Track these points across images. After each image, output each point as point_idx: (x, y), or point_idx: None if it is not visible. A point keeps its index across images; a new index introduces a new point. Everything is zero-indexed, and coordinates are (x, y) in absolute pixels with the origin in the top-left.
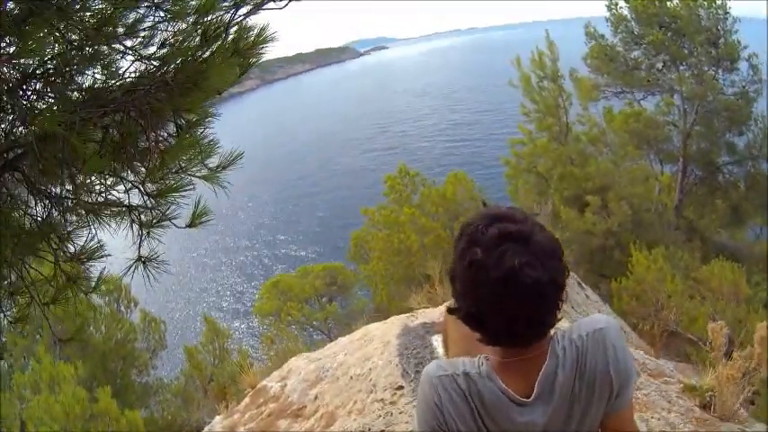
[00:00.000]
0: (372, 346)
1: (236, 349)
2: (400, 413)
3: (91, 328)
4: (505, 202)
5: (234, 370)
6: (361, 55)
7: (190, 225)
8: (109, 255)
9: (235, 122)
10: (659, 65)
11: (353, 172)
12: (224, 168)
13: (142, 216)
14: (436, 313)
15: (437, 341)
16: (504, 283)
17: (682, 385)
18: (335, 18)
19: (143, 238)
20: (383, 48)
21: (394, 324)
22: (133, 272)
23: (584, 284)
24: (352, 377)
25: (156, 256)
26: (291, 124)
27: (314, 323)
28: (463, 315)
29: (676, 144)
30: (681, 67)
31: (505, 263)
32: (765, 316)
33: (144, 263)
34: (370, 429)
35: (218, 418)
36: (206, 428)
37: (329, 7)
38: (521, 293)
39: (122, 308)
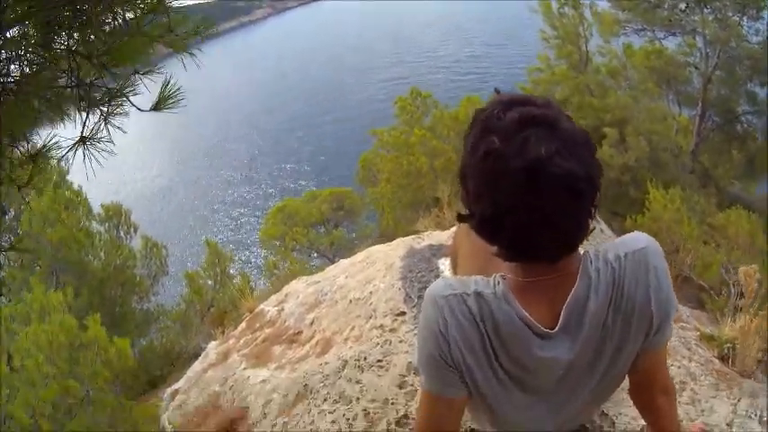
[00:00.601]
0: (375, 268)
1: (238, 273)
2: (400, 342)
3: (89, 256)
4: None
5: (234, 295)
6: None
7: (155, 107)
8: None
9: (245, 53)
10: (682, 5)
11: (363, 102)
12: (196, 35)
13: (92, 93)
14: (444, 236)
15: (444, 264)
16: (528, 174)
17: (698, 333)
18: None
19: (100, 123)
20: None
21: (399, 246)
22: (74, 154)
23: (597, 217)
24: (351, 301)
25: (100, 135)
26: (303, 53)
27: (319, 248)
28: (477, 221)
29: (696, 87)
30: (705, 10)
31: (530, 151)
32: None
33: (85, 143)
34: (366, 358)
35: (213, 343)
36: (201, 355)
37: None
38: (550, 188)
39: (122, 234)
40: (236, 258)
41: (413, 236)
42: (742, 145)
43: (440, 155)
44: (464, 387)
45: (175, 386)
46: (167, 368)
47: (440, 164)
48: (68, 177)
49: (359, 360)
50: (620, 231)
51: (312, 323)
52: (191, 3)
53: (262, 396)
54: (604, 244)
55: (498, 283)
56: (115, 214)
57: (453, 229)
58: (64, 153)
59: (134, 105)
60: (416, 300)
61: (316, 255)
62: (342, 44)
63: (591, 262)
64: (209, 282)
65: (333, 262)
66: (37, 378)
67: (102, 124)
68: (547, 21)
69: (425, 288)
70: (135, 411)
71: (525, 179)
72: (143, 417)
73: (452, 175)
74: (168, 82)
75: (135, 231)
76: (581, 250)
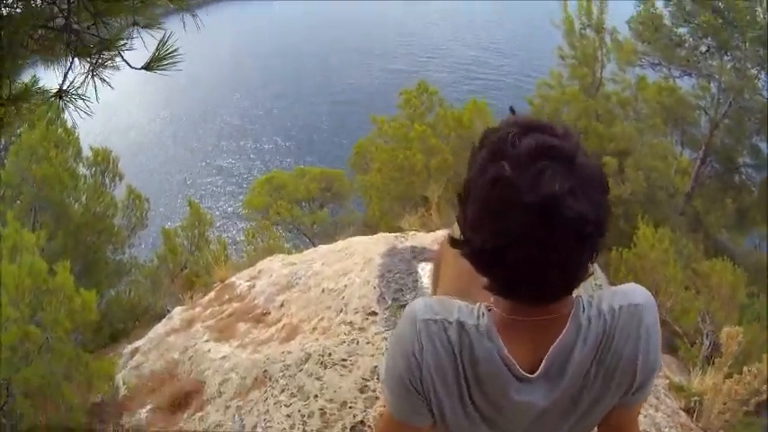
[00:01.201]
0: (353, 260)
1: (216, 239)
2: (367, 343)
3: (70, 198)
4: None
5: (208, 260)
6: None
7: (147, 66)
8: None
9: (250, 22)
10: (703, 48)
11: (363, 87)
12: None
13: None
14: (428, 239)
15: (423, 269)
16: (539, 212)
17: (668, 381)
18: None
19: (88, 76)
20: None
21: (380, 241)
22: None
23: None
24: (324, 290)
25: (84, 87)
26: (309, 31)
27: (300, 226)
28: (473, 250)
29: (702, 131)
30: (725, 57)
31: (543, 186)
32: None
33: (62, 97)
34: (330, 354)
35: (179, 308)
36: (162, 321)
37: None
38: (559, 229)
39: (107, 180)
40: (217, 227)
41: (396, 233)
42: (737, 195)
43: (436, 154)
44: (430, 416)
45: (136, 344)
46: (131, 323)
47: (435, 163)
48: (64, 116)
49: (323, 356)
50: (604, 264)
51: (281, 306)
52: None
53: (219, 373)
54: (600, 291)
55: (483, 315)
56: (103, 159)
57: (439, 233)
58: (41, 103)
59: (125, 61)
60: (390, 302)
61: (296, 232)
62: (348, 28)
63: (584, 309)
64: (186, 242)
65: (312, 243)
66: None
67: (90, 76)
68: (567, 39)
69: (401, 290)
70: (92, 366)
71: (536, 215)
72: (99, 372)
73: (445, 177)
74: (165, 41)
75: (120, 180)
76: (574, 294)
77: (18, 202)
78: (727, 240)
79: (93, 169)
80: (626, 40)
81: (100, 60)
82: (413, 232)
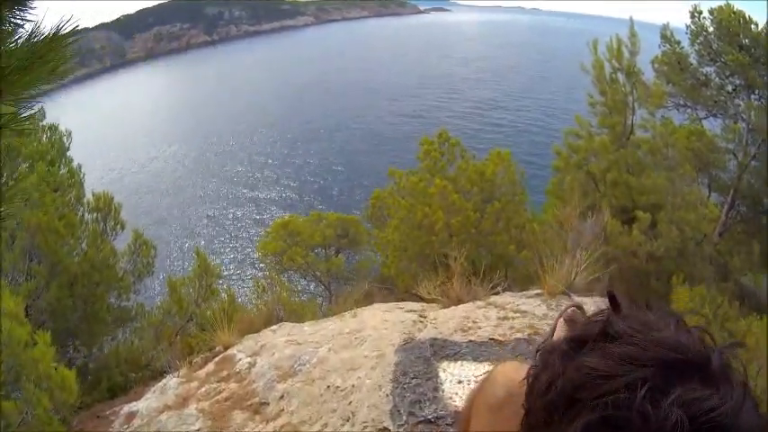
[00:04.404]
0: (363, 349)
1: (224, 292)
2: None
3: (67, 246)
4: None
5: (212, 319)
6: (421, 12)
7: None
8: None
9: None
10: (729, 87)
11: (379, 134)
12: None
13: None
14: (451, 325)
15: (445, 372)
16: None
17: None
18: None
19: None
20: (444, 9)
21: (395, 326)
22: None
23: None
24: (329, 387)
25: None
26: (330, 70)
27: (316, 273)
28: None
29: (731, 174)
30: (752, 96)
31: None
32: None
33: None
34: None
35: (174, 380)
36: (161, 383)
37: None
38: None
39: (108, 228)
40: (226, 274)
41: (414, 308)
42: (764, 238)
43: (458, 212)
44: None
45: (133, 406)
46: (132, 374)
47: (456, 222)
48: (69, 153)
49: None
50: None
51: (282, 397)
52: None
53: None
54: None
55: None
56: (105, 205)
57: (462, 309)
58: None
59: None
60: (405, 416)
61: (311, 278)
62: (376, 68)
63: None
64: (192, 292)
65: (328, 290)
66: None
67: None
68: (597, 84)
69: (419, 402)
70: None
71: None
72: None
73: (467, 237)
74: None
75: (122, 229)
76: None
77: (12, 248)
78: (749, 282)
79: (95, 215)
80: (655, 83)
81: None
82: (433, 305)
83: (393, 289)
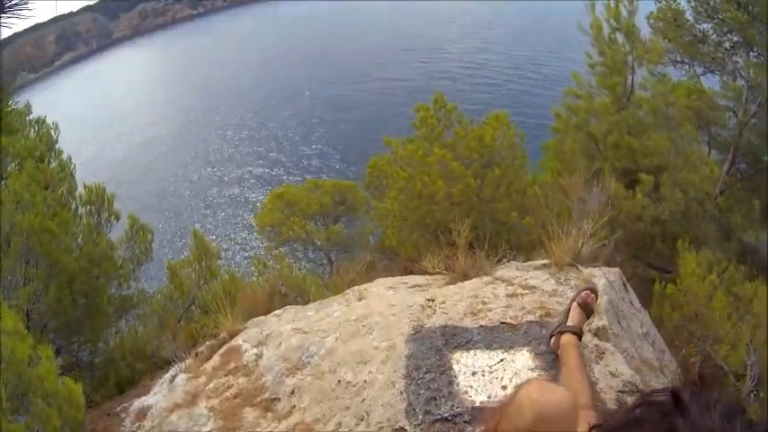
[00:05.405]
0: (371, 339)
1: (225, 271)
2: None
3: (62, 244)
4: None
5: (217, 292)
6: None
7: None
8: None
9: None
10: (727, 44)
11: (374, 101)
12: None
13: None
14: (458, 305)
15: (458, 362)
16: None
17: None
18: None
19: None
20: None
21: (403, 312)
22: None
23: (628, 286)
24: (340, 381)
25: None
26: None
27: (315, 242)
28: None
29: (731, 132)
30: (751, 53)
31: None
32: None
33: None
34: None
35: (182, 376)
36: (167, 376)
37: None
38: None
39: (102, 220)
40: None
41: (419, 281)
42: (763, 194)
43: (458, 180)
44: None
45: (143, 400)
46: (138, 365)
47: (457, 190)
48: (57, 146)
49: None
50: (645, 291)
51: (292, 392)
52: None
53: None
54: None
55: None
56: (98, 197)
57: (469, 287)
58: None
59: None
60: (422, 415)
61: (311, 248)
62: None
63: None
64: (193, 275)
65: (329, 259)
66: None
67: None
68: (596, 45)
69: (434, 399)
70: None
71: None
72: None
73: (468, 206)
74: None
75: (117, 220)
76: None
77: (7, 252)
78: (750, 238)
79: (88, 208)
80: (653, 40)
81: None
82: (439, 277)
83: (395, 258)
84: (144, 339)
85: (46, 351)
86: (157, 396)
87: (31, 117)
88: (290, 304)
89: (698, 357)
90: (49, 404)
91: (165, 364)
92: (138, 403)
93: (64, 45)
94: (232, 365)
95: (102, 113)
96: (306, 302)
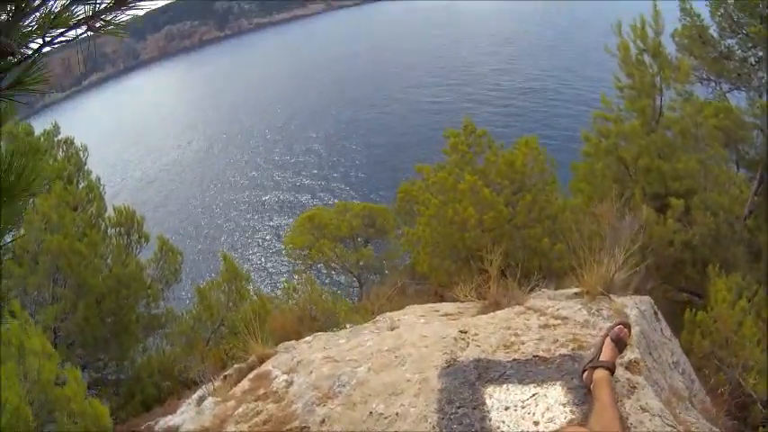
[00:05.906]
0: (404, 371)
1: (255, 293)
2: None
3: (91, 265)
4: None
5: (247, 316)
6: None
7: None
8: None
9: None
10: (752, 59)
11: (398, 124)
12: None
13: None
14: (491, 337)
15: (491, 397)
16: None
17: None
18: None
19: None
20: None
21: (435, 344)
22: None
23: (659, 314)
24: (372, 413)
25: None
26: (338, 59)
27: (345, 264)
28: None
29: (758, 150)
30: None
31: None
32: None
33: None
34: None
35: (210, 400)
36: (194, 397)
37: None
38: None
39: (132, 241)
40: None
41: (450, 310)
42: None
43: (490, 207)
44: None
45: (169, 420)
46: (165, 384)
47: (489, 218)
48: (87, 167)
49: None
50: (675, 314)
51: (323, 421)
52: None
53: None
54: None
55: None
56: (127, 219)
57: (501, 317)
58: None
59: None
60: None
61: (340, 270)
62: (394, 53)
63: None
64: (221, 296)
65: (359, 282)
66: None
67: None
68: (624, 67)
69: None
70: None
71: None
72: None
73: (500, 233)
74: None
75: (146, 242)
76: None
77: (35, 270)
78: None
79: (118, 230)
80: (680, 59)
81: None
82: (470, 305)
83: (425, 283)
84: (171, 359)
85: (73, 372)
86: (184, 416)
87: (59, 137)
88: (320, 329)
89: (727, 386)
90: (76, 423)
91: (193, 384)
92: (163, 422)
93: (91, 66)
94: (262, 391)
95: (128, 134)
96: (335, 325)
